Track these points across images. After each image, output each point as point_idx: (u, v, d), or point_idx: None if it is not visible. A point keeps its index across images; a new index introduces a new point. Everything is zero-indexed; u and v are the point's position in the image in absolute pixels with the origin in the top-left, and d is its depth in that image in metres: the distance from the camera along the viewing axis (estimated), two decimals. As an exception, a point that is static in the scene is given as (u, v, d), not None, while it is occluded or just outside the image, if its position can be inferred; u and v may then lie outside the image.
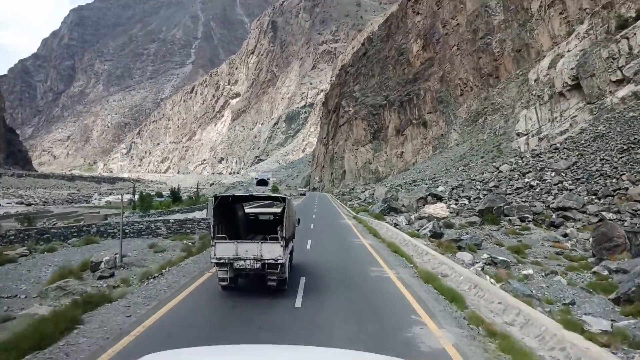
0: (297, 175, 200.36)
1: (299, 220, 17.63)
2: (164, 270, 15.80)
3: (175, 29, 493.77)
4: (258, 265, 11.92)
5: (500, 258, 17.72)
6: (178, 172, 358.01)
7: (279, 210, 16.98)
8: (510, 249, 21.83)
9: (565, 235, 27.43)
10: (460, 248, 21.07)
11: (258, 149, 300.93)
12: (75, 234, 27.30)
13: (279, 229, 13.12)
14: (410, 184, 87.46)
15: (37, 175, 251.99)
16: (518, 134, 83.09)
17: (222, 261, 11.94)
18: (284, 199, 13.61)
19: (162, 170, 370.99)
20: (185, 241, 24.39)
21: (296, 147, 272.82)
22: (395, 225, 30.00)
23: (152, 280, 14.44)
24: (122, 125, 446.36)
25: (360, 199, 60.63)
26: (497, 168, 59.49)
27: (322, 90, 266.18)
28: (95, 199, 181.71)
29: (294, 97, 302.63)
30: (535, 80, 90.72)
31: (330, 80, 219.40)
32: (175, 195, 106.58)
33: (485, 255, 18.74)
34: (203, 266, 16.83)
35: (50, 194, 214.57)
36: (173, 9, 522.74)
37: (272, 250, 11.87)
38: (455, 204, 43.87)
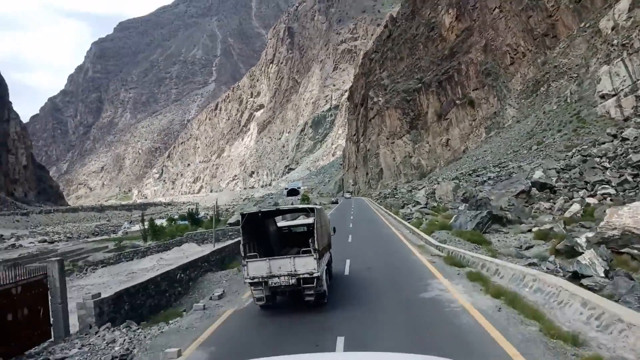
0: (328, 181, 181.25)
1: (334, 229, 15.60)
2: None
3: (194, 49, 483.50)
4: (293, 281, 11.27)
5: None
6: (211, 191, 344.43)
7: (310, 221, 15.15)
8: None
9: None
10: None
11: (287, 158, 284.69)
12: None
13: (310, 241, 12.16)
14: (469, 175, 67.40)
15: (66, 209, 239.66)
16: (602, 96, 61.87)
17: (255, 280, 11.41)
18: (313, 210, 13.15)
19: (195, 191, 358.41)
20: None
21: (326, 152, 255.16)
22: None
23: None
24: (153, 150, 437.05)
25: (418, 202, 41.12)
26: (615, 136, 38.61)
27: (345, 91, 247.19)
28: (125, 227, 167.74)
29: (317, 101, 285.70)
30: (612, 29, 69.56)
31: (354, 72, 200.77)
32: (192, 217, 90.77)
33: None
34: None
35: (79, 227, 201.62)
36: (190, 30, 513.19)
37: (305, 264, 11.20)
38: (607, 196, 23.81)
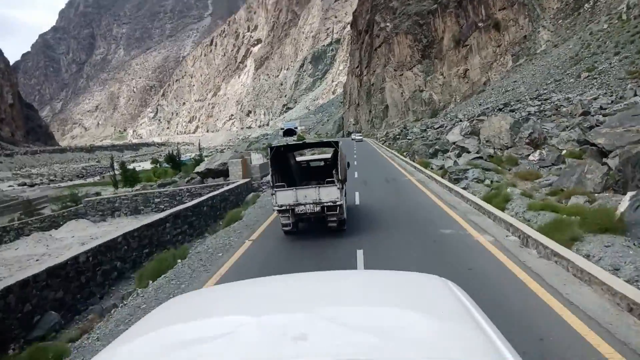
0: (327, 120, 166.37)
1: (348, 163, 15.01)
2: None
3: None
4: (318, 208, 12.02)
5: None
6: (207, 131, 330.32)
7: (328, 155, 17.08)
8: None
9: None
10: None
11: (285, 96, 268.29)
12: None
13: (334, 172, 13.31)
14: (499, 110, 53.34)
15: (53, 150, 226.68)
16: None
17: (283, 208, 12.11)
18: (336, 143, 13.57)
19: (191, 131, 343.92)
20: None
21: (325, 90, 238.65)
22: None
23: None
24: (148, 88, 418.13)
25: (462, 148, 25.83)
26: None
27: (348, 23, 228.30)
28: (114, 169, 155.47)
29: (318, 34, 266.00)
30: None
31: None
32: (173, 160, 78.87)
33: None
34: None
35: (66, 169, 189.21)
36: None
37: (329, 194, 11.93)
38: None
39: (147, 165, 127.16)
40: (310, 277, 2.58)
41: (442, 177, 18.34)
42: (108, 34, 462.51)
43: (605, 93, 43.44)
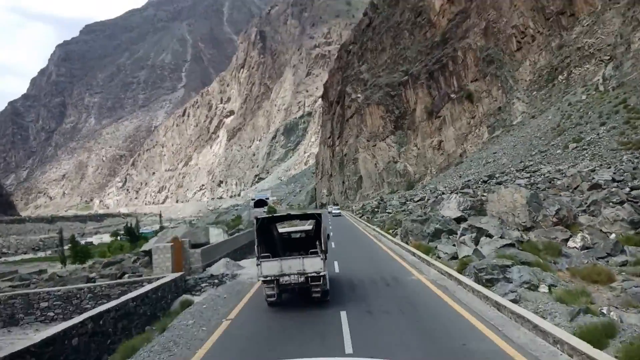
0: (299, 191, 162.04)
1: (328, 235, 15.04)
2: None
3: (163, 54, 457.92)
4: (302, 279, 12.16)
5: None
6: (177, 201, 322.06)
7: (309, 227, 18.18)
8: None
9: None
10: None
11: (257, 167, 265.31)
12: None
13: (317, 243, 13.75)
14: (483, 182, 49.70)
15: (11, 220, 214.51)
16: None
17: (268, 278, 12.24)
18: (319, 215, 14.11)
19: (160, 201, 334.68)
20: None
21: (298, 161, 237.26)
22: None
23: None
24: (117, 158, 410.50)
25: (483, 232, 20.54)
26: None
27: (319, 97, 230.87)
28: (63, 243, 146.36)
29: (290, 107, 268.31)
30: (660, -5, 52.94)
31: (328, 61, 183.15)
32: (131, 233, 72.79)
33: None
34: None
35: (22, 240, 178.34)
36: (159, 34, 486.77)
37: (313, 264, 12.15)
38: None
39: (108, 238, 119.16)
40: None
41: (462, 274, 13.20)
42: (79, 102, 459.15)
43: (601, 165, 39.98)
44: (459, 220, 25.03)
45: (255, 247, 12.89)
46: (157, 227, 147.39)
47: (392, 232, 29.08)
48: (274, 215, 15.50)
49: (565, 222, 18.18)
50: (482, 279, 11.77)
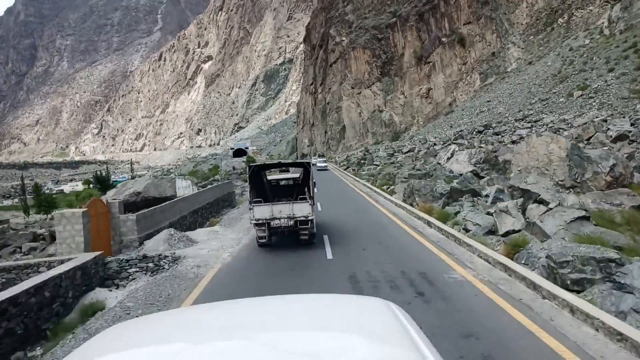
0: (280, 141, 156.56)
1: (314, 183, 15.13)
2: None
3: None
4: (291, 222, 12.79)
5: None
6: (155, 149, 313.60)
7: (296, 175, 18.00)
8: None
9: None
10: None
11: (237, 115, 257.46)
12: None
13: (306, 189, 14.67)
14: (479, 133, 45.60)
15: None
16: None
17: (260, 222, 12.85)
18: (308, 164, 14.71)
19: (138, 148, 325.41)
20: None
21: (278, 110, 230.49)
22: None
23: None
24: (92, 103, 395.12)
25: (524, 190, 16.26)
26: None
27: (301, 43, 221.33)
28: (48, 189, 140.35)
29: (270, 53, 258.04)
30: None
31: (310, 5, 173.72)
32: (101, 182, 67.71)
33: None
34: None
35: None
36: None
37: (302, 209, 12.75)
38: None
39: (82, 186, 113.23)
40: (252, 302, 2.51)
41: (515, 261, 8.88)
42: (51, 45, 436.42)
43: (612, 114, 35.81)
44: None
45: (248, 192, 13.92)
46: (132, 174, 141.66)
47: (387, 189, 24.53)
48: (266, 163, 16.11)
49: (622, 182, 13.82)
50: (565, 279, 7.33)
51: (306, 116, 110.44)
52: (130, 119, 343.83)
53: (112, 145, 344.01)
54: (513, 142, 37.78)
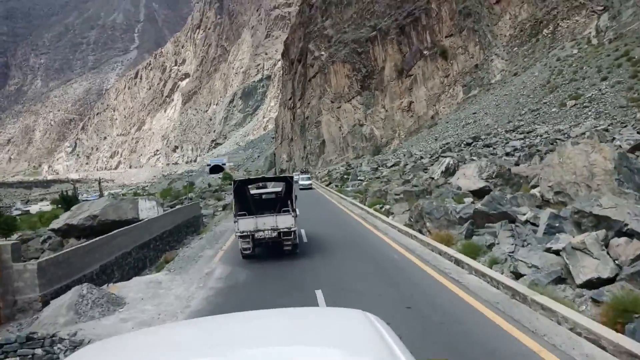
0: (258, 156, 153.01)
1: (296, 196, 15.28)
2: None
3: (115, 14, 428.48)
4: (275, 234, 13.33)
5: None
6: (130, 167, 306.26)
7: (278, 189, 18.25)
8: None
9: None
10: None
11: (214, 132, 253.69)
12: None
13: (289, 202, 15.21)
14: (467, 145, 42.93)
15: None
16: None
17: (245, 234, 13.37)
18: (291, 178, 15.75)
19: (113, 166, 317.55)
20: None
21: (256, 126, 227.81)
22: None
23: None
24: (67, 122, 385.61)
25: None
26: None
27: (278, 60, 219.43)
28: (16, 209, 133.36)
29: (248, 70, 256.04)
30: None
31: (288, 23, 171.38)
32: (66, 202, 62.85)
33: None
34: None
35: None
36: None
37: (285, 221, 13.30)
38: None
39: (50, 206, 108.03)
40: (230, 319, 2.47)
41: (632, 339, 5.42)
42: (24, 63, 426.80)
43: (612, 123, 33.39)
44: (478, 193, 17.36)
45: (232, 205, 14.89)
46: (105, 193, 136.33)
47: (381, 208, 21.17)
48: (249, 177, 17.56)
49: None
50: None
51: (285, 131, 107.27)
52: (105, 137, 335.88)
53: (87, 163, 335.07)
54: (507, 154, 35.11)
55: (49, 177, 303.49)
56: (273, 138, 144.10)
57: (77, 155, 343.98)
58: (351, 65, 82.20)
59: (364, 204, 25.10)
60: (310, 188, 46.60)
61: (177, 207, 31.50)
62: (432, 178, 29.34)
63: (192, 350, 1.84)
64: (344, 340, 1.86)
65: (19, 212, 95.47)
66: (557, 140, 33.43)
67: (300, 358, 1.63)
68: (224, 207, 34.12)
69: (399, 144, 70.20)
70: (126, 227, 19.58)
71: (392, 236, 15.86)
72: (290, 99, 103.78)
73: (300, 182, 45.63)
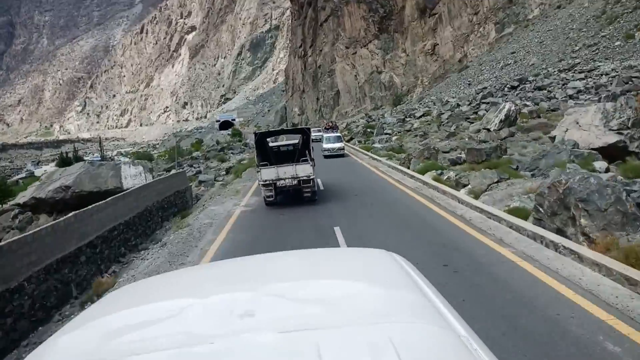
0: (268, 111, 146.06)
1: (313, 147, 16.74)
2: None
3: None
4: (295, 182, 14.26)
5: None
6: (140, 125, 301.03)
7: (295, 141, 18.78)
8: None
9: None
10: None
11: (223, 86, 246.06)
12: None
13: (307, 151, 16.24)
14: (512, 89, 35.95)
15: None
16: None
17: (267, 182, 14.30)
18: (308, 129, 17.10)
19: (123, 125, 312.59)
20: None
21: (266, 79, 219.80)
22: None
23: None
24: (75, 80, 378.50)
25: None
26: None
27: (287, 9, 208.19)
28: (26, 171, 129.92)
29: (256, 21, 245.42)
30: None
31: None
32: (66, 163, 57.32)
33: None
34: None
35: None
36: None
37: (304, 170, 14.26)
38: None
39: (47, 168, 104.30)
40: (256, 259, 2.49)
41: None
42: (29, 22, 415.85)
43: None
44: (606, 152, 11.03)
45: (255, 156, 16.01)
46: (113, 153, 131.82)
47: (440, 175, 14.82)
48: (270, 130, 21.19)
49: None
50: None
51: (295, 82, 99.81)
52: (114, 95, 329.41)
53: (97, 122, 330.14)
54: (570, 97, 28.46)
55: (61, 137, 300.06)
56: (283, 91, 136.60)
57: (87, 114, 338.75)
58: (367, 6, 73.83)
59: (404, 167, 18.89)
60: (342, 155, 31.12)
61: (151, 180, 23.56)
62: (488, 129, 22.92)
63: (220, 286, 1.88)
64: (372, 274, 1.88)
65: (23, 175, 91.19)
66: (633, 79, 26.65)
67: (329, 291, 1.65)
68: (228, 171, 28.08)
69: (422, 92, 63.07)
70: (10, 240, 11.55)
71: (515, 246, 7.99)
72: (300, 46, 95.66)
73: (325, 145, 31.63)
